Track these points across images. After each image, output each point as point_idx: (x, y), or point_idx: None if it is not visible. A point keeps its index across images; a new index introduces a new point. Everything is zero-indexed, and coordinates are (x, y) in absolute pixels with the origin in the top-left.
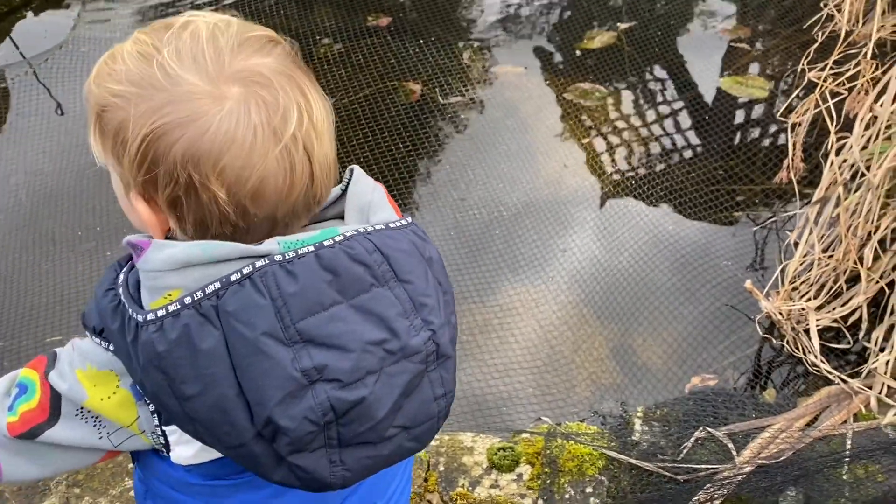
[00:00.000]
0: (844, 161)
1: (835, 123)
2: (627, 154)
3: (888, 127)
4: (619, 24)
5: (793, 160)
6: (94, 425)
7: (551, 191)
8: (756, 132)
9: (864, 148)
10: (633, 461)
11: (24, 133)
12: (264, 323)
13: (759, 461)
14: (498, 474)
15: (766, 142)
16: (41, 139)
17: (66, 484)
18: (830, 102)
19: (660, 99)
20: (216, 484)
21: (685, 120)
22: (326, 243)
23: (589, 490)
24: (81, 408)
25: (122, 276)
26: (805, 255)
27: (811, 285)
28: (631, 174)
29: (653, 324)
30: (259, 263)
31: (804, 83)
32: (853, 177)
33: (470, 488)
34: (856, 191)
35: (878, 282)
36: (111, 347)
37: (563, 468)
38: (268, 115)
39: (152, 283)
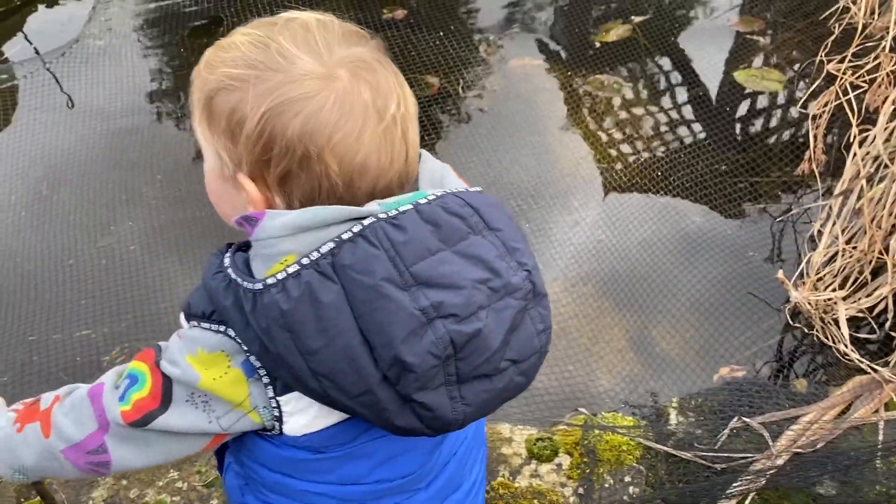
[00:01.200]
0: (867, 153)
1: (856, 116)
2: (646, 146)
3: None
4: (633, 17)
5: (814, 151)
6: (204, 410)
7: (569, 182)
8: (774, 124)
9: (888, 140)
10: (670, 450)
11: (43, 126)
12: (381, 270)
13: (795, 450)
14: (537, 464)
15: (785, 134)
16: (60, 133)
17: (113, 476)
18: (851, 95)
19: (676, 91)
20: (322, 457)
21: (702, 112)
22: (422, 201)
23: (627, 479)
24: (193, 392)
25: (227, 260)
26: (829, 246)
27: (835, 276)
28: (650, 165)
29: (673, 315)
30: (366, 222)
31: (822, 75)
32: (876, 168)
33: (511, 478)
34: (879, 182)
35: None
36: (221, 328)
37: (601, 458)
38: (373, 95)
39: (267, 251)
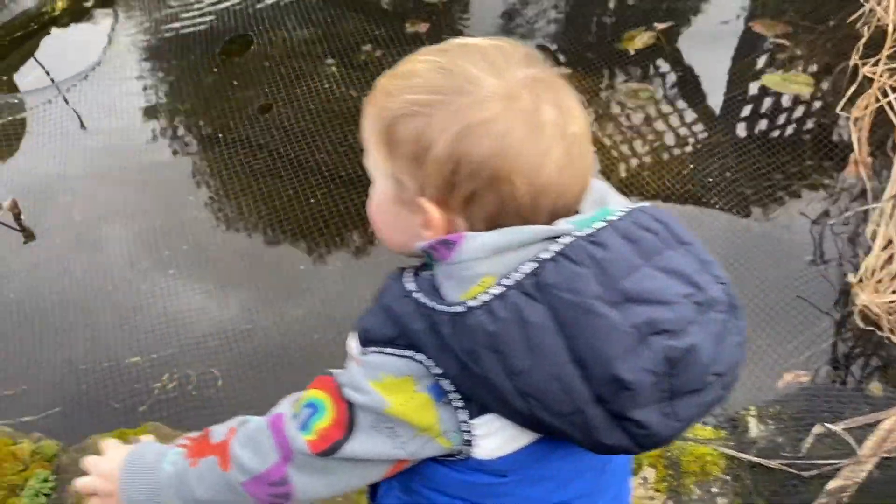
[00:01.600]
0: None
1: None
2: (682, 151)
3: None
4: (656, 24)
5: (860, 154)
6: (389, 436)
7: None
8: (809, 127)
9: None
10: (755, 459)
11: (65, 151)
12: (590, 288)
13: (883, 454)
14: None
15: (822, 136)
16: (87, 158)
17: None
18: (892, 97)
19: (708, 96)
20: (506, 481)
21: (734, 116)
22: (612, 218)
23: (715, 489)
24: (378, 418)
25: (411, 284)
26: (884, 248)
27: (893, 278)
28: (689, 170)
29: None
30: (564, 240)
31: (859, 79)
32: None
33: None
34: None
35: None
36: (407, 353)
37: (686, 469)
38: (556, 114)
39: (463, 274)
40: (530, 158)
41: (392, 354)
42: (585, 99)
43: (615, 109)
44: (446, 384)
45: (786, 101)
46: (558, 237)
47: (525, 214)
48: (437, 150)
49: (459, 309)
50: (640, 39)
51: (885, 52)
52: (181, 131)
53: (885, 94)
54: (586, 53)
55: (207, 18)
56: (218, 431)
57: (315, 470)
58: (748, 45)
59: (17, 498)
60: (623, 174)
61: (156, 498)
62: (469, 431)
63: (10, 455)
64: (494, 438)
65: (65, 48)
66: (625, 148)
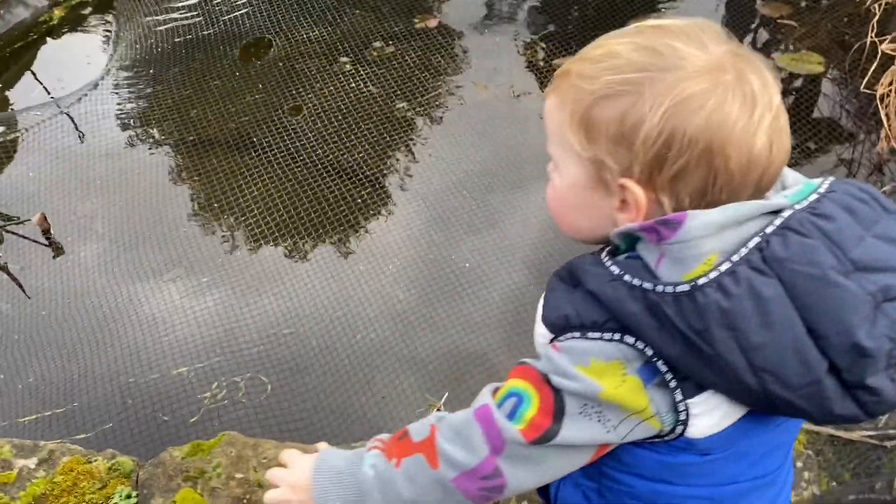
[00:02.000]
0: None
1: None
2: None
3: None
4: (661, 6)
5: (890, 129)
6: (599, 420)
7: None
8: (828, 105)
9: None
10: (835, 433)
11: (83, 164)
12: (825, 260)
13: None
14: None
15: (844, 115)
16: (106, 168)
17: None
18: None
19: None
20: (708, 459)
21: None
22: (822, 190)
23: (800, 464)
24: (585, 404)
25: (615, 268)
26: None
27: None
28: None
29: None
30: (786, 213)
31: (879, 57)
32: None
33: None
34: None
35: None
36: (616, 336)
37: None
38: (762, 85)
39: (687, 254)
40: (745, 131)
41: (598, 339)
42: None
43: None
44: (661, 365)
45: (800, 80)
46: (779, 211)
47: (733, 187)
48: (647, 127)
49: (685, 288)
50: None
51: None
52: (196, 137)
53: None
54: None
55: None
56: (417, 430)
57: (526, 460)
58: (757, 26)
59: None
60: None
61: (355, 503)
62: (686, 411)
63: (86, 473)
64: (710, 416)
65: (64, 59)
66: None
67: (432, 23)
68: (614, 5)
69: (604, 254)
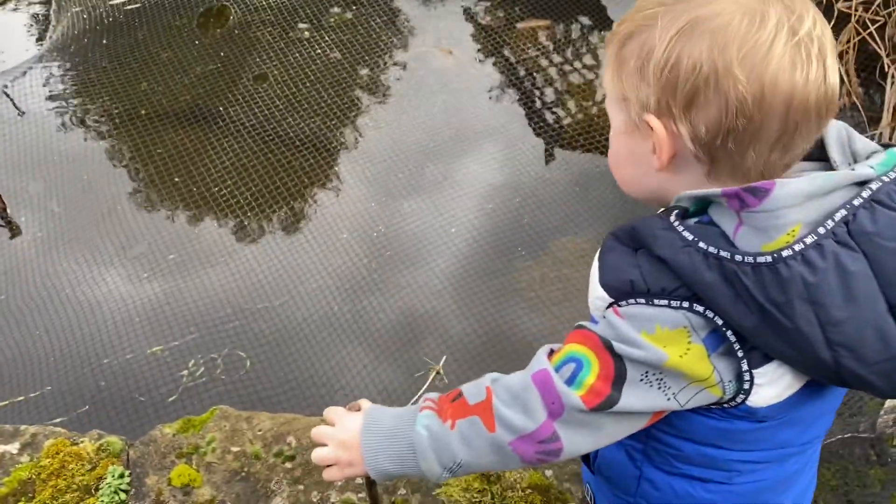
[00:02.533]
0: None
1: (882, 48)
2: None
3: None
4: None
5: (851, 85)
6: (660, 388)
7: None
8: None
9: None
10: None
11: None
12: None
13: None
14: None
15: None
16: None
17: (287, 482)
18: (872, 28)
19: None
20: (763, 426)
21: None
22: None
23: None
24: (647, 371)
25: (688, 234)
26: None
27: None
28: None
29: None
30: (874, 185)
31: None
32: None
33: None
34: None
35: None
36: (684, 304)
37: None
38: (786, 12)
39: (773, 223)
40: (754, 51)
41: (665, 306)
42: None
43: (578, 57)
44: (730, 335)
45: None
46: (867, 182)
47: (749, 113)
48: (657, 55)
49: (766, 259)
50: None
51: None
52: (150, 110)
53: (865, 27)
54: (564, 5)
55: None
56: (473, 392)
57: (584, 425)
58: None
59: (93, 498)
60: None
61: (407, 463)
62: (751, 380)
63: (73, 455)
64: (775, 386)
65: (4, 32)
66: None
67: None
68: None
69: (673, 216)
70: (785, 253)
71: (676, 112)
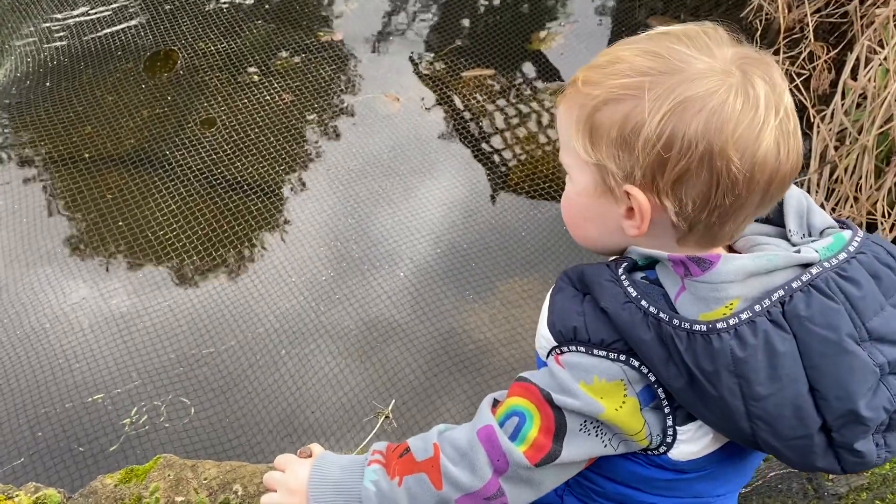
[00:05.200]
0: (829, 129)
1: (808, 99)
2: None
3: (863, 97)
4: (564, 24)
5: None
6: (597, 435)
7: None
8: None
9: (846, 114)
10: None
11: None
12: (844, 325)
13: None
14: None
15: None
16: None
17: None
18: (798, 81)
19: None
20: (683, 477)
21: None
22: (852, 248)
23: None
24: (585, 420)
25: (632, 290)
26: None
27: None
28: None
29: None
30: (814, 270)
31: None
32: (840, 141)
33: None
34: (847, 155)
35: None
36: (622, 357)
37: None
38: (768, 89)
39: (713, 294)
40: (747, 132)
41: (604, 357)
42: (521, 98)
43: (537, 107)
44: (660, 391)
45: None
46: (809, 265)
47: (738, 192)
48: (647, 131)
49: (702, 328)
50: (551, 39)
51: (782, 41)
52: (94, 153)
53: (792, 80)
54: (503, 54)
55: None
56: (420, 447)
57: (527, 481)
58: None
59: None
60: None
61: None
62: (674, 436)
63: None
64: (695, 444)
65: None
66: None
67: (338, 36)
68: (517, 16)
69: (621, 269)
70: (720, 325)
71: (663, 187)
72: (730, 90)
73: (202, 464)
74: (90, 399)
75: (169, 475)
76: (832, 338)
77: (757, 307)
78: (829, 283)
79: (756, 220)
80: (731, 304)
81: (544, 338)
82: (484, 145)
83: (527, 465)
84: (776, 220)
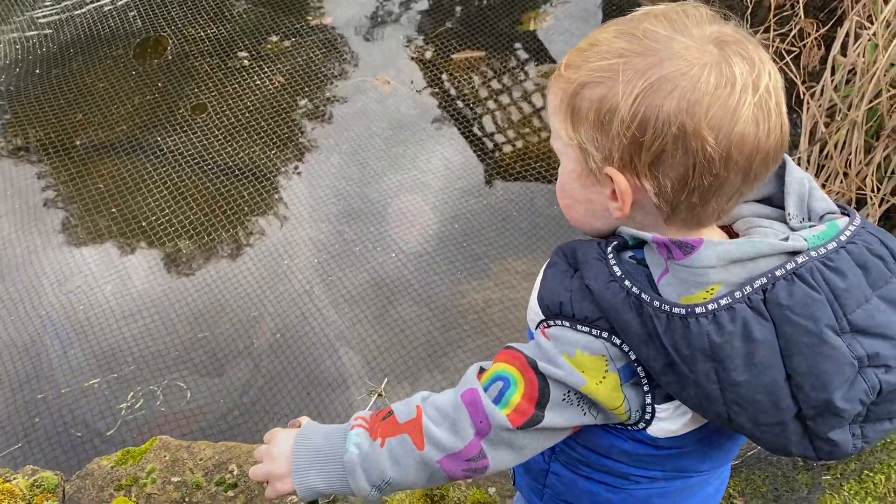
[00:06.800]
0: (819, 105)
1: (798, 76)
2: None
3: (852, 72)
4: (553, 4)
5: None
6: (579, 405)
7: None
8: None
9: (836, 90)
10: None
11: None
12: (825, 316)
13: None
14: None
15: None
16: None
17: None
18: (788, 59)
19: None
20: (661, 453)
21: None
22: (843, 238)
23: None
24: (568, 391)
25: (617, 269)
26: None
27: None
28: None
29: None
30: (800, 259)
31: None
32: (830, 117)
33: None
34: (837, 130)
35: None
36: (604, 335)
37: None
38: (746, 67)
39: (694, 279)
40: (722, 111)
41: (587, 333)
42: (513, 78)
43: (535, 84)
44: (640, 370)
45: None
46: (796, 253)
47: (716, 171)
48: (622, 112)
49: (681, 311)
50: (539, 21)
51: (772, 18)
52: (86, 141)
53: (782, 57)
54: (496, 36)
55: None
56: (403, 410)
57: (509, 443)
58: None
59: None
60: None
61: (336, 481)
62: (652, 413)
63: (6, 493)
64: (673, 422)
65: None
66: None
67: (327, 19)
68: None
69: (609, 248)
70: (698, 310)
71: (641, 168)
72: (703, 69)
73: (197, 444)
74: (87, 384)
75: (165, 456)
76: (812, 328)
77: (738, 293)
78: (814, 272)
79: (759, 202)
80: (712, 289)
81: (533, 310)
82: (475, 127)
83: (509, 426)
84: (778, 202)
